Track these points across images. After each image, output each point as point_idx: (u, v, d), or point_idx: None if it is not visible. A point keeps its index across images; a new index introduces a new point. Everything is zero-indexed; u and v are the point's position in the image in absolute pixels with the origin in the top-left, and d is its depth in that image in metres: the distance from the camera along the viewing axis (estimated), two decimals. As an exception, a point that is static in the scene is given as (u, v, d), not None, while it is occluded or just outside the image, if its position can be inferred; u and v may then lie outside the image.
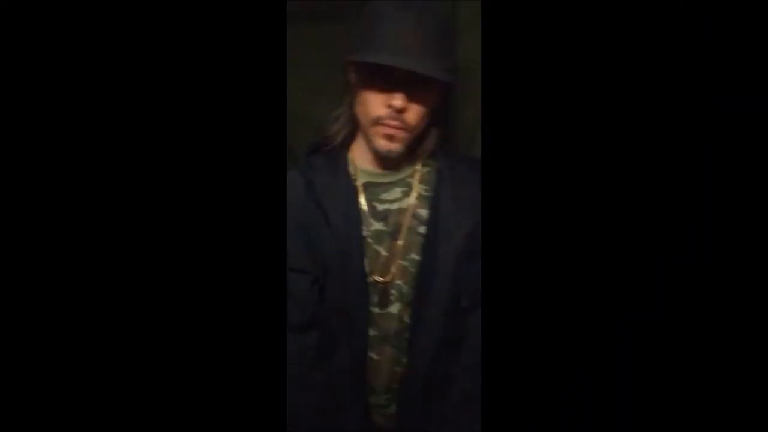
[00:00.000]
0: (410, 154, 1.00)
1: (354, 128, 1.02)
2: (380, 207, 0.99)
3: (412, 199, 0.99)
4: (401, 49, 0.87)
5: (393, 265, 0.97)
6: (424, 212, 0.99)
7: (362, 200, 0.99)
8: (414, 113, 0.93)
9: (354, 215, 0.97)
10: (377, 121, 0.94)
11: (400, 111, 0.91)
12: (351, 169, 1.02)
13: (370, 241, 0.98)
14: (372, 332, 0.97)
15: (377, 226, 0.99)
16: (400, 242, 0.97)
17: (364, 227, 0.98)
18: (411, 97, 0.92)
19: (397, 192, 1.00)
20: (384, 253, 0.97)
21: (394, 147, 0.95)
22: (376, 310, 0.97)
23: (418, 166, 1.02)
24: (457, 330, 0.98)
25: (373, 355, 0.97)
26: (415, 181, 1.01)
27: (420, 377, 0.97)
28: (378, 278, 0.97)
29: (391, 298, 0.97)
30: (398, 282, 0.97)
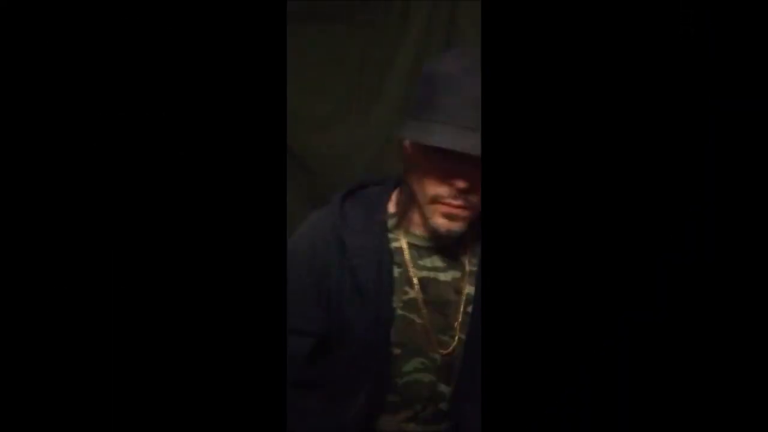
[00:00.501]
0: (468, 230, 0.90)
1: (407, 206, 0.91)
2: (417, 275, 0.90)
3: (456, 273, 0.91)
4: (469, 128, 0.78)
5: (430, 338, 0.90)
6: (466, 287, 0.91)
7: (398, 264, 0.90)
8: (476, 191, 0.83)
9: (387, 279, 0.88)
10: (436, 200, 0.85)
11: (464, 191, 0.83)
12: (390, 225, 0.91)
13: (401, 312, 0.89)
14: (393, 398, 0.91)
15: (411, 294, 0.90)
16: (441, 316, 0.90)
17: (395, 296, 0.89)
18: (475, 176, 0.81)
19: (437, 260, 0.92)
20: (419, 322, 0.90)
21: (455, 227, 0.86)
22: (410, 377, 0.90)
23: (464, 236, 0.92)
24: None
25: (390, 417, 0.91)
26: (457, 250, 0.91)
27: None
28: (441, 351, 0.89)
29: (422, 366, 0.90)
30: (432, 354, 0.90)
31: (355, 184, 0.97)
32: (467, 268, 0.92)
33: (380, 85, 1.45)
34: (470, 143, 0.78)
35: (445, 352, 0.89)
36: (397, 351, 0.90)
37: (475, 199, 0.84)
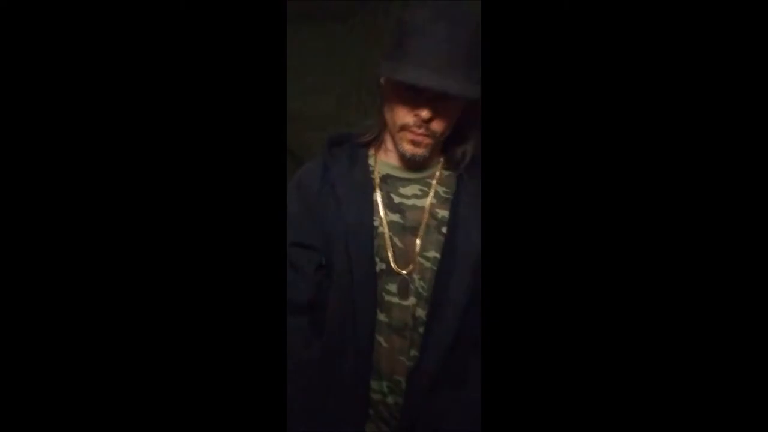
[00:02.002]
0: (437, 159, 1.07)
1: (382, 131, 1.08)
2: (397, 200, 1.05)
3: (431, 198, 1.05)
4: (432, 67, 0.92)
5: (412, 260, 1.02)
6: (443, 212, 1.04)
7: (378, 191, 1.05)
8: (440, 123, 0.99)
9: (367, 204, 1.03)
10: (404, 128, 1.00)
11: (427, 121, 0.98)
12: (371, 161, 1.08)
13: (383, 230, 1.02)
14: (382, 318, 1.00)
15: (393, 217, 1.04)
16: (418, 239, 1.02)
17: (377, 217, 1.03)
18: (438, 109, 0.97)
19: (415, 188, 1.06)
20: (400, 245, 1.02)
21: (419, 151, 1.01)
22: (393, 299, 1.01)
23: (438, 170, 1.07)
24: (475, 334, 0.98)
25: (381, 339, 1.00)
26: (434, 182, 1.06)
27: (428, 374, 0.99)
28: (398, 269, 1.01)
29: (408, 291, 1.01)
30: (415, 276, 1.01)
31: (340, 134, 1.11)
32: (442, 195, 1.06)
33: (380, 85, 1.44)
34: (432, 80, 0.92)
35: (403, 271, 1.01)
36: (381, 266, 1.01)
37: (437, 127, 0.99)
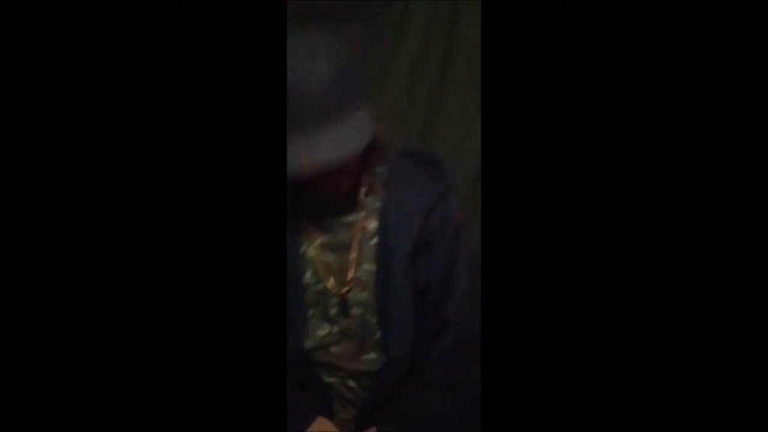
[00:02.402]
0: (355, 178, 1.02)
1: None
2: (326, 219, 1.03)
3: (359, 215, 1.03)
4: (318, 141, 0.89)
5: (348, 276, 1.02)
6: (373, 224, 1.02)
7: (304, 217, 1.03)
8: (345, 180, 0.97)
9: (294, 231, 1.02)
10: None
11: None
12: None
13: (313, 253, 1.02)
14: (334, 329, 1.02)
15: (323, 239, 1.03)
16: (353, 255, 1.02)
17: (305, 244, 1.02)
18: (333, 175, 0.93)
19: (342, 206, 1.03)
20: (333, 264, 1.03)
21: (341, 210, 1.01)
22: (339, 316, 1.02)
23: (369, 178, 1.04)
24: (434, 322, 1.02)
25: (338, 349, 1.03)
26: (361, 195, 1.03)
27: (397, 371, 1.02)
28: (335, 289, 1.02)
29: (351, 305, 1.02)
30: (356, 290, 1.02)
31: None
32: (371, 207, 1.03)
33: (380, 85, 1.45)
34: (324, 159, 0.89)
35: (341, 291, 1.02)
36: (319, 287, 1.03)
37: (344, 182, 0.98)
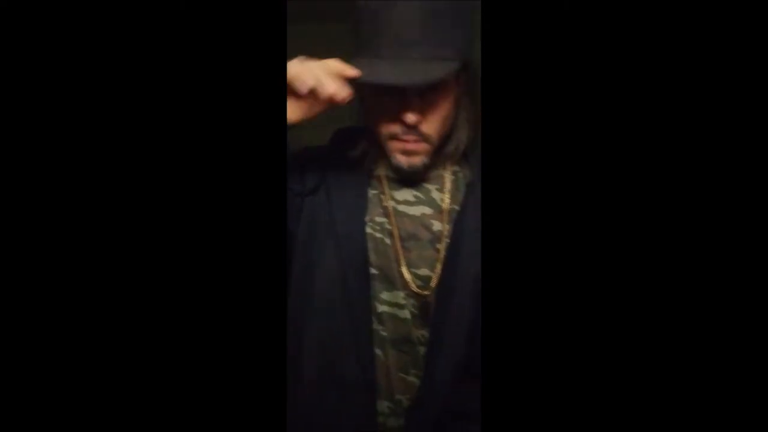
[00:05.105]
0: (436, 160, 0.93)
1: (371, 145, 0.94)
2: (388, 204, 0.92)
3: (425, 208, 0.93)
4: (403, 56, 0.80)
5: (402, 270, 0.91)
6: (437, 225, 0.92)
7: (373, 190, 0.93)
8: (432, 123, 0.87)
9: (361, 204, 0.92)
10: (392, 138, 0.88)
11: (415, 126, 0.85)
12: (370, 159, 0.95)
13: (372, 231, 0.91)
14: (378, 327, 0.91)
15: (382, 220, 0.92)
16: (408, 251, 0.91)
17: (368, 217, 0.92)
18: (425, 106, 0.85)
19: (408, 194, 0.93)
20: (391, 252, 0.91)
21: (416, 161, 0.89)
22: (391, 309, 0.91)
23: (444, 172, 0.94)
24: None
25: (378, 352, 0.91)
26: (434, 188, 0.93)
27: (435, 403, 0.89)
28: (416, 290, 0.90)
29: (404, 300, 0.91)
30: (406, 290, 0.90)
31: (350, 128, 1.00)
32: (440, 205, 0.93)
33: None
34: (407, 73, 0.79)
35: (419, 292, 0.90)
36: (373, 271, 0.91)
37: (429, 129, 0.86)
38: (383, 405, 0.91)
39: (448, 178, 0.94)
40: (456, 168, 0.96)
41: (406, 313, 0.91)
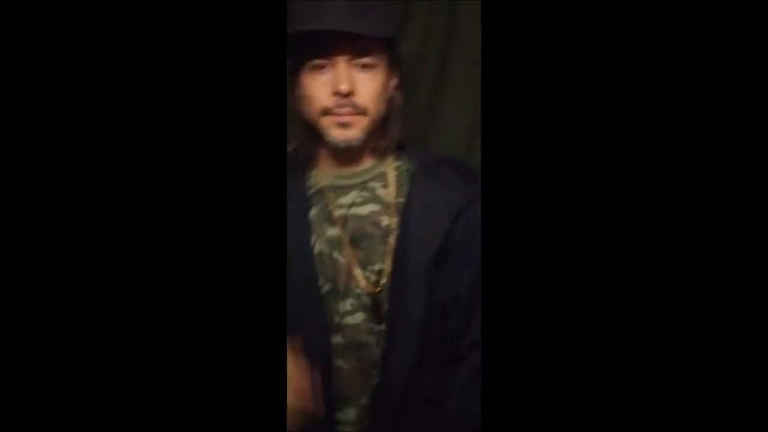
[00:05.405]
0: (374, 151, 0.94)
1: (305, 137, 0.93)
2: (337, 212, 0.93)
3: (372, 206, 0.93)
4: (328, 12, 0.82)
5: (354, 274, 0.92)
6: (385, 219, 0.93)
7: (316, 206, 0.93)
8: (365, 95, 0.87)
9: (303, 221, 0.92)
10: (326, 112, 0.88)
11: (348, 95, 0.86)
12: (312, 174, 0.95)
13: (321, 248, 0.92)
14: (337, 340, 0.91)
15: (332, 231, 0.93)
16: (361, 251, 0.92)
17: (314, 234, 0.92)
18: (357, 79, 0.86)
19: (354, 196, 0.94)
20: (342, 260, 0.92)
21: (352, 134, 0.88)
22: (344, 319, 0.91)
23: (386, 168, 0.96)
24: (441, 349, 0.93)
25: (340, 362, 0.91)
26: (379, 185, 0.94)
27: (395, 394, 0.90)
28: (365, 289, 0.91)
29: (351, 307, 0.91)
30: (358, 290, 0.91)
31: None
32: (387, 200, 0.93)
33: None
34: (332, 21, 0.81)
35: (370, 290, 0.91)
36: (326, 287, 0.91)
37: (363, 100, 0.87)
38: (350, 413, 0.92)
39: (390, 173, 0.95)
40: (398, 163, 0.97)
41: (357, 318, 0.92)
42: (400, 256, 0.91)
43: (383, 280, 0.91)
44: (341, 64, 0.85)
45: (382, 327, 0.91)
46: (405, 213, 0.92)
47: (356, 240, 0.93)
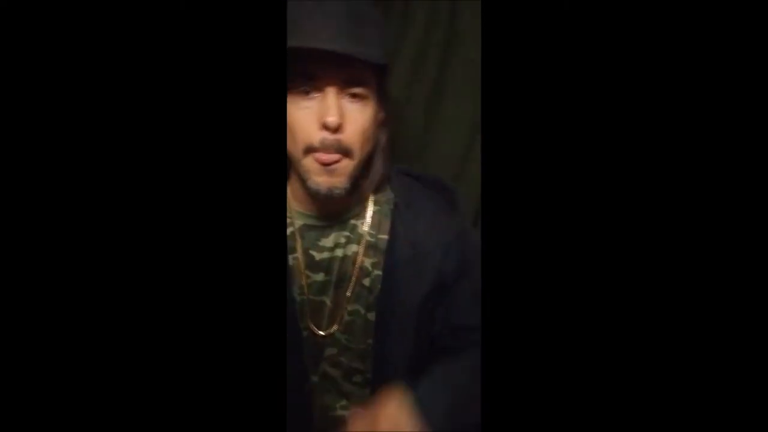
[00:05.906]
0: (352, 192, 0.84)
1: (290, 168, 0.85)
2: (318, 256, 0.87)
3: (355, 247, 0.88)
4: (332, 31, 0.74)
5: (336, 318, 0.88)
6: (368, 261, 0.87)
7: (299, 248, 0.87)
8: (352, 132, 0.78)
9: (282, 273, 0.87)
10: (309, 151, 0.78)
11: (336, 129, 0.77)
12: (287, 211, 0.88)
13: (308, 295, 0.88)
14: (314, 378, 0.91)
15: (316, 277, 0.87)
16: (347, 293, 0.87)
17: (298, 279, 0.86)
18: (345, 109, 0.77)
19: (336, 237, 0.88)
20: (329, 304, 0.88)
21: (337, 182, 0.78)
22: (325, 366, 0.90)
23: (366, 203, 0.90)
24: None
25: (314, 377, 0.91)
26: (360, 224, 0.88)
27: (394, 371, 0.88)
28: (315, 330, 0.87)
29: (329, 352, 0.89)
30: (338, 334, 0.88)
31: None
32: (364, 239, 0.87)
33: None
34: (337, 43, 0.72)
35: (324, 333, 0.87)
36: (320, 333, 0.88)
37: (349, 141, 0.77)
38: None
39: (370, 207, 0.89)
40: (378, 196, 0.90)
41: (345, 358, 0.91)
42: (381, 299, 0.86)
43: (359, 320, 0.88)
44: (330, 93, 0.77)
45: (368, 375, 0.90)
46: (390, 251, 0.86)
47: (343, 282, 0.88)
